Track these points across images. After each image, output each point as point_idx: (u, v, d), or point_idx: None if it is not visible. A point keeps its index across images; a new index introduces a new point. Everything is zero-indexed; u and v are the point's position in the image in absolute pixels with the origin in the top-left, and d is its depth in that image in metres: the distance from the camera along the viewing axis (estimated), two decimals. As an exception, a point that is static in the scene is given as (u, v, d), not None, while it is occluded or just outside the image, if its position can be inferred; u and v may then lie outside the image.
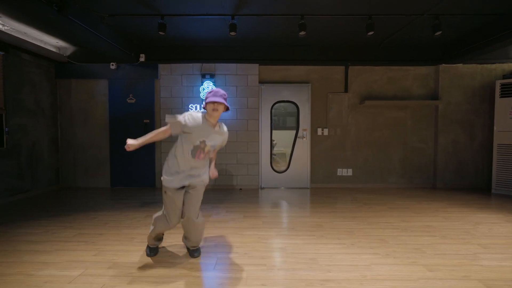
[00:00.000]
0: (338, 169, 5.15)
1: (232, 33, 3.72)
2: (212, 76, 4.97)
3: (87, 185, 5.13)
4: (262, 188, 5.10)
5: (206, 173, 2.21)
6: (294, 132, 5.18)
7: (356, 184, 5.16)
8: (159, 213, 2.21)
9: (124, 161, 5.06)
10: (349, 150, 5.14)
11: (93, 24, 3.68)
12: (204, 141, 2.01)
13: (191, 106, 5.00)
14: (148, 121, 5.02)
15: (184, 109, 5.03)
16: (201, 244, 2.50)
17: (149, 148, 5.02)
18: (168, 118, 2.01)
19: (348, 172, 5.15)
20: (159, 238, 2.37)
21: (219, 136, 2.11)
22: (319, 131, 5.09)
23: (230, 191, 4.85)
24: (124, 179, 5.10)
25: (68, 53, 4.85)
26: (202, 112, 2.07)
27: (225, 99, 2.02)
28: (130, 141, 1.95)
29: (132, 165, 5.07)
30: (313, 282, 1.91)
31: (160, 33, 3.70)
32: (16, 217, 3.33)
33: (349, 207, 3.82)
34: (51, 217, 3.31)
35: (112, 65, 4.91)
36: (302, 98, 5.09)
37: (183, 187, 2.11)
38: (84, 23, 3.46)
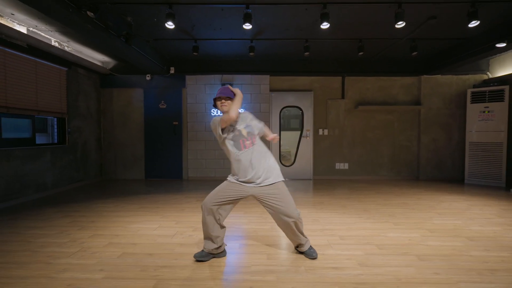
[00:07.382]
0: (337, 164, 6.10)
1: (251, 54, 4.70)
2: (230, 85, 5.92)
3: (124, 177, 6.10)
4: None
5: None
6: (299, 132, 6.13)
7: (352, 176, 6.09)
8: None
9: (156, 157, 6.03)
10: (346, 147, 6.08)
11: (142, 46, 4.66)
12: (235, 127, 2.12)
13: (213, 110, 5.97)
14: (177, 123, 5.99)
15: (206, 113, 6.00)
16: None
17: (177, 146, 5.99)
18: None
19: (345, 166, 6.09)
20: None
21: (243, 120, 2.19)
22: (320, 131, 6.04)
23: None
24: (156, 172, 6.07)
25: (110, 66, 5.85)
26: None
27: (228, 92, 2.09)
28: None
29: (163, 160, 6.04)
30: (316, 230, 2.85)
31: (194, 53, 4.68)
32: (87, 197, 4.30)
33: (345, 192, 4.76)
34: (112, 198, 4.28)
35: (148, 76, 5.90)
36: (306, 104, 6.05)
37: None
38: (136, 46, 4.44)
